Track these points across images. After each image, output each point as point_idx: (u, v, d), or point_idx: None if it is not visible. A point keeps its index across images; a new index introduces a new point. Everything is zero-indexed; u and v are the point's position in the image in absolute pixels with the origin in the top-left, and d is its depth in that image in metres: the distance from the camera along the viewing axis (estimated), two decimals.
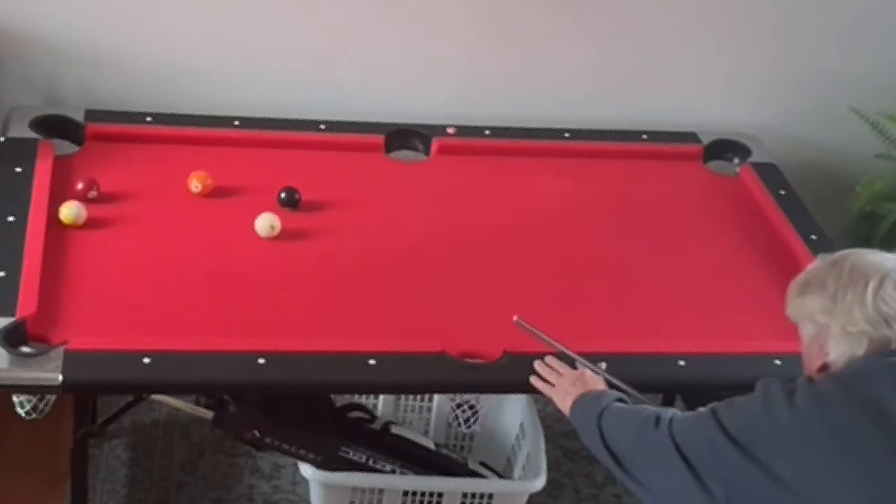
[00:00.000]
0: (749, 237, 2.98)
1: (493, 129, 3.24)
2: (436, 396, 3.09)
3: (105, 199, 2.81)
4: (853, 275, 2.03)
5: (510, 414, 3.06)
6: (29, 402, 2.78)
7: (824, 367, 2.05)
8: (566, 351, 2.44)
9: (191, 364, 2.36)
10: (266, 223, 2.75)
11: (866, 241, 3.23)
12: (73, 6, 3.15)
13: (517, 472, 2.97)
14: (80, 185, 2.81)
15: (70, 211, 2.68)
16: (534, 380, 2.41)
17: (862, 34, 3.48)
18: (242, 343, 2.40)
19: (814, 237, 2.96)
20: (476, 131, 3.23)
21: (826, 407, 1.95)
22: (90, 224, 2.71)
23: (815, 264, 2.13)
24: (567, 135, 3.27)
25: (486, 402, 3.06)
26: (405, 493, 2.80)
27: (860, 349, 2.01)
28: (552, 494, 3.15)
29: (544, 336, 2.45)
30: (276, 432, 2.66)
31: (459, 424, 3.07)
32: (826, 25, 3.46)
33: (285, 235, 2.77)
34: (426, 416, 3.12)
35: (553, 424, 3.36)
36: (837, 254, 2.12)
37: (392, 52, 3.35)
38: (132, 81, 3.25)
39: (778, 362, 2.50)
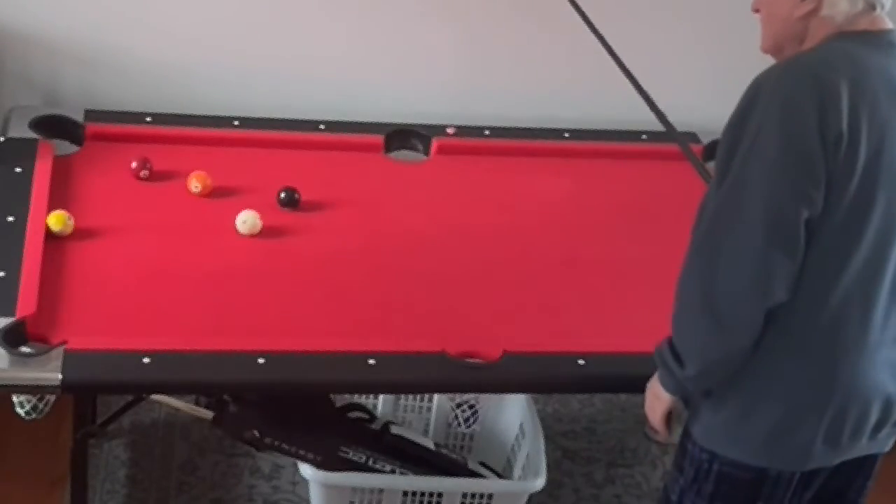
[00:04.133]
0: None
1: (493, 129, 3.24)
2: (436, 396, 3.09)
3: (105, 199, 2.81)
4: None
5: (510, 414, 3.06)
6: (28, 402, 2.80)
7: (808, 15, 1.98)
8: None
9: (191, 364, 2.35)
10: (238, 220, 2.74)
11: None
12: (72, 6, 3.15)
13: (517, 472, 2.97)
14: (133, 164, 2.86)
15: (58, 219, 2.65)
16: None
17: None
18: (242, 343, 2.40)
19: None
20: (476, 131, 3.23)
21: None
22: (90, 224, 2.70)
23: None
24: (567, 135, 3.27)
25: (486, 402, 3.06)
26: (405, 493, 2.80)
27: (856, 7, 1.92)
28: (552, 494, 3.15)
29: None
30: (276, 432, 2.66)
31: (459, 424, 3.07)
32: None
33: (285, 235, 2.77)
34: (426, 416, 3.12)
35: (553, 424, 3.36)
36: None
37: (392, 52, 3.35)
38: (132, 81, 3.25)
39: None
